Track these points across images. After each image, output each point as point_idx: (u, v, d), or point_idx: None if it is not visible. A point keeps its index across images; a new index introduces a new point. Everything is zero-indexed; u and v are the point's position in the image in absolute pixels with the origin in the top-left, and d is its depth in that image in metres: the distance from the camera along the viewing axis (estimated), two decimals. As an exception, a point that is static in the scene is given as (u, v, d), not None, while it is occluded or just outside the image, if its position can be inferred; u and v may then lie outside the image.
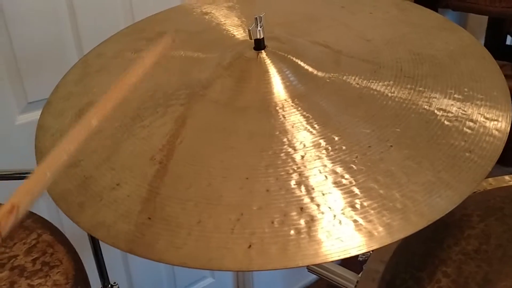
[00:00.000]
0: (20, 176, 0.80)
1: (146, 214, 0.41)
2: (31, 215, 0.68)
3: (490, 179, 0.59)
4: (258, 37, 0.52)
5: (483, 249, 0.51)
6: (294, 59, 0.53)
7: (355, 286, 0.84)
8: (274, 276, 1.49)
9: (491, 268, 0.49)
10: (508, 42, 1.64)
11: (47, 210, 0.85)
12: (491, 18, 1.56)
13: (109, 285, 0.83)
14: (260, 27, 0.51)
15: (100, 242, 0.80)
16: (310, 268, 0.95)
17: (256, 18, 0.51)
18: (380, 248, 0.38)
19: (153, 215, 0.41)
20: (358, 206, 0.40)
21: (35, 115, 0.94)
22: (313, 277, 1.57)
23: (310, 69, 0.53)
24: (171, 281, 1.32)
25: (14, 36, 0.88)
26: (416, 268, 0.51)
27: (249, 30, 0.51)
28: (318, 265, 0.93)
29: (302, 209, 0.40)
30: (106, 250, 0.81)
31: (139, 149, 0.47)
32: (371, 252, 0.80)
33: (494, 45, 1.59)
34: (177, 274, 1.31)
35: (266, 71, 0.52)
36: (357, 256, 0.39)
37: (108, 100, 0.40)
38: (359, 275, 0.85)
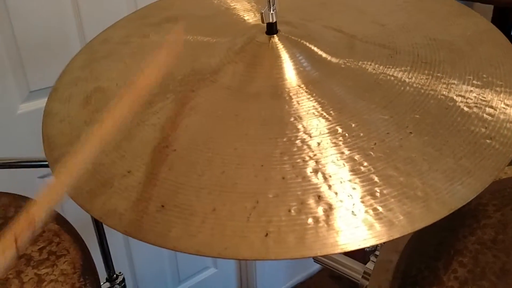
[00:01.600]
0: (21, 164, 0.79)
1: (159, 202, 0.40)
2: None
3: (505, 168, 0.58)
4: (271, 20, 0.50)
5: (500, 239, 0.50)
6: (307, 44, 0.52)
7: (362, 276, 0.83)
8: (277, 266, 1.49)
9: (509, 258, 0.48)
10: (513, 32, 1.63)
11: (51, 199, 0.84)
12: (496, 8, 1.54)
13: (115, 275, 0.82)
14: (273, 11, 0.50)
15: (105, 232, 0.79)
16: (315, 258, 0.94)
17: (269, 1, 0.49)
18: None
19: (166, 203, 0.40)
20: (377, 194, 0.39)
21: (37, 104, 0.93)
22: (315, 267, 1.57)
23: (324, 54, 0.51)
24: (174, 272, 1.31)
25: (16, 24, 0.87)
26: (431, 258, 0.50)
27: (261, 13, 0.49)
28: (325, 255, 0.93)
29: (319, 197, 0.39)
30: (110, 240, 0.80)
31: (149, 135, 0.46)
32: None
33: (499, 35, 1.57)
34: (180, 265, 1.31)
35: (278, 56, 0.51)
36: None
37: (123, 100, 0.39)
38: (366, 265, 0.85)
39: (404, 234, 0.37)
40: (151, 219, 0.39)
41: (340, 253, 0.91)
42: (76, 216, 0.70)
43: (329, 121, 0.45)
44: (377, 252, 0.81)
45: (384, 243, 0.65)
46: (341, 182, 0.40)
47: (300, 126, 0.45)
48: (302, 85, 0.48)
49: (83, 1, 0.91)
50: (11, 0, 0.84)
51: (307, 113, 0.46)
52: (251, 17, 0.59)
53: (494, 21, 1.57)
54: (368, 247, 0.92)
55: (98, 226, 0.77)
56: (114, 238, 1.02)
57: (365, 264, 0.83)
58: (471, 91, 0.47)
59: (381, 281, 0.50)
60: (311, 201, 0.39)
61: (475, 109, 0.45)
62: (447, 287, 0.47)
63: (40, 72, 0.93)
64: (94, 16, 0.93)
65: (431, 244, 0.52)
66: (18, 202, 0.67)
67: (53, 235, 0.62)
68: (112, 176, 0.43)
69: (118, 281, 0.82)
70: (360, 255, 0.88)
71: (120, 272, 0.83)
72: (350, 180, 0.40)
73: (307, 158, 0.42)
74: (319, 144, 0.43)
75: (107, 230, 0.79)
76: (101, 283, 0.80)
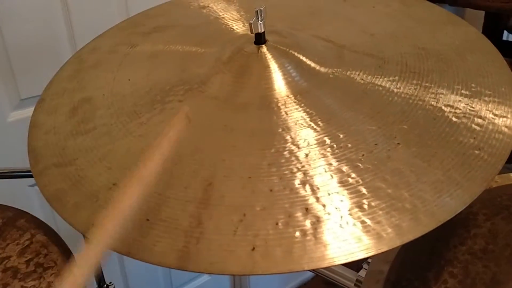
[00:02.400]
0: (11, 175, 0.78)
1: (145, 216, 0.39)
2: (24, 215, 0.66)
3: (496, 177, 0.57)
4: (259, 31, 0.50)
5: (490, 248, 0.49)
6: (296, 54, 0.52)
7: (354, 284, 0.83)
8: (270, 273, 1.48)
9: (499, 268, 0.47)
10: (504, 38, 1.63)
11: (41, 209, 0.83)
12: (488, 14, 1.55)
13: (105, 285, 0.81)
14: (261, 21, 0.49)
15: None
16: (308, 266, 0.94)
17: (257, 11, 0.49)
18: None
19: (151, 216, 0.39)
20: (365, 206, 0.38)
21: (28, 112, 0.91)
22: (309, 274, 1.57)
23: (313, 64, 0.51)
24: (167, 279, 1.30)
25: (7, 32, 0.86)
26: (422, 268, 0.50)
27: (250, 24, 0.49)
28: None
29: (307, 210, 0.39)
30: (101, 249, 0.79)
31: (136, 147, 0.45)
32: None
33: (490, 40, 1.58)
34: (173, 272, 1.30)
35: (267, 66, 0.50)
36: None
37: (151, 159, 0.38)
38: (358, 273, 0.84)
39: (393, 247, 0.37)
40: (137, 234, 0.39)
41: (327, 266, 0.91)
42: (66, 225, 0.69)
43: (317, 132, 0.44)
44: (369, 260, 0.81)
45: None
46: (329, 194, 0.40)
47: (288, 137, 0.44)
48: (291, 95, 0.48)
49: (74, 9, 0.91)
50: (1, 8, 0.84)
51: (295, 124, 0.45)
52: (239, 27, 0.59)
53: (486, 27, 1.58)
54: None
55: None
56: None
57: (358, 271, 0.83)
58: (459, 101, 0.46)
59: (371, 292, 0.50)
60: (299, 214, 0.39)
61: (463, 120, 0.45)
62: (438, 299, 0.47)
63: (31, 80, 0.92)
64: (85, 24, 0.92)
65: (421, 254, 0.51)
66: (5, 213, 0.66)
67: (41, 246, 0.61)
68: (98, 188, 0.43)
69: (108, 290, 0.80)
70: (353, 262, 0.87)
71: (110, 282, 0.82)
72: (338, 192, 0.40)
73: (295, 170, 0.41)
74: (307, 155, 0.42)
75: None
76: (91, 294, 0.79)
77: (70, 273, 0.29)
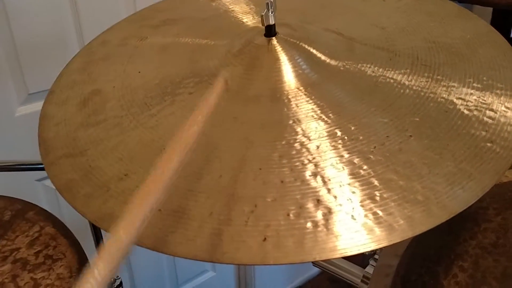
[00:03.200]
0: (19, 167, 0.78)
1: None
2: (33, 207, 0.66)
3: (506, 172, 0.57)
4: (270, 23, 0.50)
5: (501, 243, 0.49)
6: (306, 46, 0.51)
7: (361, 280, 0.83)
8: (275, 270, 1.48)
9: (510, 262, 0.47)
10: (512, 35, 1.63)
11: (47, 204, 0.83)
12: (496, 10, 1.54)
13: (112, 279, 0.82)
14: (272, 13, 0.49)
15: (103, 235, 0.78)
16: (315, 262, 0.94)
17: (268, 3, 0.49)
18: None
19: (164, 207, 0.39)
20: (377, 198, 0.38)
21: (36, 106, 0.93)
22: (314, 271, 1.57)
23: (323, 57, 0.51)
24: (172, 275, 1.30)
25: (15, 27, 0.86)
26: (431, 262, 0.49)
27: (261, 16, 0.49)
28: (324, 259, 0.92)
29: (319, 201, 0.39)
30: (108, 243, 0.79)
31: (147, 138, 0.45)
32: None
33: (498, 37, 1.57)
34: (179, 268, 1.30)
35: (277, 59, 0.50)
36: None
37: (173, 151, 0.38)
38: (365, 269, 0.84)
39: (405, 239, 0.37)
40: (148, 224, 0.39)
41: (339, 257, 0.91)
42: (73, 219, 0.69)
43: (328, 124, 0.44)
44: (376, 256, 0.81)
45: (383, 247, 0.65)
46: (340, 186, 0.39)
47: (299, 129, 0.44)
48: (301, 88, 0.48)
49: (82, 4, 0.91)
50: (10, 3, 0.84)
51: (306, 116, 0.45)
52: (249, 20, 0.59)
53: (494, 23, 1.57)
54: (367, 251, 0.92)
55: (96, 230, 0.76)
56: (112, 241, 1.02)
57: (364, 268, 0.82)
58: (471, 94, 0.46)
59: (380, 286, 0.50)
60: (310, 205, 0.38)
61: (475, 112, 0.45)
62: (448, 292, 0.47)
63: (39, 75, 0.92)
64: (92, 18, 0.92)
65: (431, 248, 0.51)
66: (14, 205, 0.66)
67: (50, 238, 0.61)
68: (109, 179, 0.43)
69: (115, 285, 0.81)
70: (359, 259, 0.87)
71: (117, 276, 0.82)
72: (349, 184, 0.39)
73: (306, 162, 0.41)
74: (318, 147, 0.42)
75: (104, 233, 0.78)
76: (98, 287, 0.79)
77: (94, 268, 0.29)
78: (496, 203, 0.53)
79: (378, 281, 0.52)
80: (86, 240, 0.69)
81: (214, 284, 1.39)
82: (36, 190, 1.00)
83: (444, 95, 0.46)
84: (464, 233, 0.51)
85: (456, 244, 0.50)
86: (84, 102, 0.52)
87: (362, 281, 0.80)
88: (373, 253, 0.83)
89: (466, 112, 0.45)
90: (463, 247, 0.50)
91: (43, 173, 1.04)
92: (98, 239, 0.77)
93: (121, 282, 0.82)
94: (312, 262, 0.93)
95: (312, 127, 0.44)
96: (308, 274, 1.56)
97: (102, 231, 0.77)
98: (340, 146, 0.42)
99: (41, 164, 0.75)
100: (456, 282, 0.47)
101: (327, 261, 0.90)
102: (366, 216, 0.37)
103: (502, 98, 0.46)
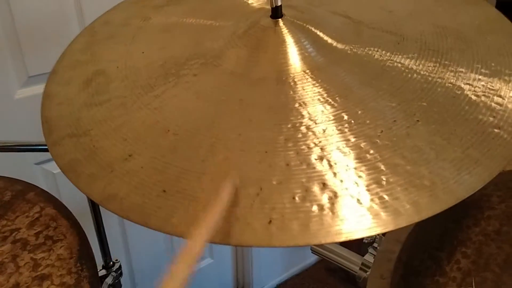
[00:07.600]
0: (19, 148, 0.78)
1: (161, 187, 0.39)
2: (33, 188, 0.66)
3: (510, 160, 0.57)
4: (276, 4, 0.49)
5: (504, 230, 0.49)
6: (312, 29, 0.51)
7: (360, 268, 0.83)
8: (273, 258, 1.49)
9: (513, 249, 0.47)
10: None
11: (46, 187, 0.83)
12: (500, 2, 1.53)
13: (111, 262, 0.81)
14: (278, -6, 0.49)
15: (102, 219, 0.78)
16: (313, 249, 0.94)
17: (275, -16, 0.48)
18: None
19: (168, 188, 0.39)
20: (384, 182, 0.38)
21: (36, 89, 0.92)
22: (312, 259, 1.57)
23: (330, 40, 0.50)
24: (170, 260, 1.31)
25: (15, 9, 0.85)
26: (434, 248, 0.49)
27: (269, -3, 0.48)
28: (322, 246, 0.92)
29: (324, 185, 0.38)
30: (106, 228, 0.79)
31: (151, 119, 0.45)
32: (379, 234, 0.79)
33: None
34: (177, 251, 1.30)
35: (283, 41, 0.50)
36: (362, 237, 0.38)
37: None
38: (364, 257, 0.84)
39: (411, 223, 0.36)
40: (153, 204, 0.38)
41: (338, 244, 0.90)
42: (73, 202, 0.69)
43: (335, 107, 0.44)
44: (375, 244, 0.81)
45: (386, 232, 0.65)
46: (346, 170, 0.39)
47: (305, 112, 0.44)
48: (307, 71, 0.47)
49: (82, -14, 0.90)
50: (10, -15, 0.83)
51: (312, 99, 0.45)
52: (255, 1, 0.58)
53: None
54: (366, 239, 0.92)
55: (96, 213, 0.76)
56: (110, 225, 1.02)
57: (363, 256, 0.82)
58: (479, 79, 0.46)
59: (382, 271, 0.50)
60: (316, 189, 0.38)
61: (483, 98, 0.44)
62: (450, 278, 0.47)
63: (39, 57, 0.91)
64: (93, 1, 0.91)
65: (434, 235, 0.51)
66: (15, 186, 0.66)
67: (50, 219, 0.61)
68: (113, 159, 0.42)
69: (114, 268, 0.81)
70: (357, 246, 0.87)
71: (117, 260, 0.82)
72: (355, 168, 0.39)
73: (312, 145, 0.41)
74: (324, 130, 0.42)
75: (104, 217, 0.78)
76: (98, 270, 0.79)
77: (173, 273, 0.30)
78: (500, 190, 0.53)
79: (380, 265, 0.52)
80: (84, 224, 0.69)
81: (212, 271, 1.39)
82: (35, 173, 1.00)
83: (452, 80, 0.46)
84: (467, 220, 0.51)
85: (459, 230, 0.50)
86: (88, 82, 0.51)
87: (360, 268, 0.80)
88: (372, 241, 0.83)
89: (473, 97, 0.44)
90: (466, 234, 0.50)
91: (41, 157, 1.03)
92: (98, 221, 0.77)
93: (120, 266, 0.82)
94: (311, 250, 0.93)
95: (318, 110, 0.44)
96: (305, 263, 1.57)
97: (102, 213, 0.76)
98: (346, 130, 0.42)
99: (40, 145, 0.75)
100: (459, 268, 0.47)
101: (326, 248, 0.90)
102: (372, 200, 0.37)
103: (510, 84, 0.46)
